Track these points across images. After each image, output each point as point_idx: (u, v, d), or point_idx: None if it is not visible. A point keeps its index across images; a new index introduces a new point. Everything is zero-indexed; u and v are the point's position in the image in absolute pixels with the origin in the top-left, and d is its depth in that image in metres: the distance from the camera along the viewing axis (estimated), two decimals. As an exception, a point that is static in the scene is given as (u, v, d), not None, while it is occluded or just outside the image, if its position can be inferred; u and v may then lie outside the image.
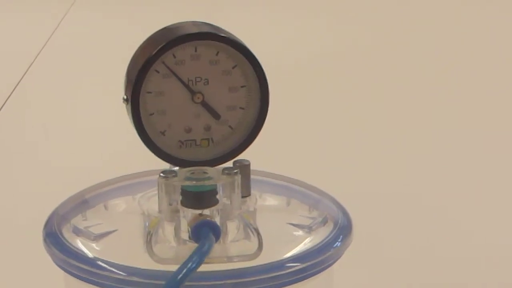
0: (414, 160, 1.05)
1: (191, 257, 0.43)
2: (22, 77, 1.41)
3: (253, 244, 0.47)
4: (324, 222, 0.53)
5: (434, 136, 1.13)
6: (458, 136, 1.13)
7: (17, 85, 1.37)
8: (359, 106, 1.27)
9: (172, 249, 0.47)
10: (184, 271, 0.42)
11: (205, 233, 0.45)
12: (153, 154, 0.50)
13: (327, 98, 1.32)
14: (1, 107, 1.26)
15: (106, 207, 0.55)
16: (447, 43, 1.69)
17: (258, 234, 0.47)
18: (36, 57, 1.53)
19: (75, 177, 0.94)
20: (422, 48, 1.63)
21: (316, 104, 1.28)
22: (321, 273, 0.49)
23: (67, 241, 0.49)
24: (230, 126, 0.52)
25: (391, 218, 0.88)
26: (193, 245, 0.46)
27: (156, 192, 0.51)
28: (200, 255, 0.43)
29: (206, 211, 0.47)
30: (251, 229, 0.48)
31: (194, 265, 0.42)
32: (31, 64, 1.48)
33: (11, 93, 1.33)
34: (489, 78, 1.40)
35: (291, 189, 0.58)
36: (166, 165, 0.55)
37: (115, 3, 1.99)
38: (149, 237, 0.46)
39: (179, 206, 0.48)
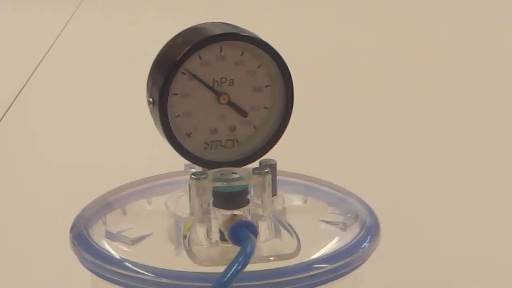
0: (414, 160, 1.05)
1: (236, 258, 0.42)
2: (30, 76, 1.41)
3: (286, 243, 0.47)
4: (355, 218, 0.52)
5: (434, 135, 1.13)
6: (458, 135, 1.13)
7: (25, 84, 1.37)
8: (358, 105, 1.26)
9: (207, 251, 0.47)
10: (231, 272, 0.41)
11: (244, 234, 0.44)
12: (179, 155, 0.50)
13: (333, 97, 1.31)
14: (9, 108, 1.26)
15: (130, 211, 0.55)
16: (455, 31, 1.69)
17: (295, 233, 0.47)
18: (43, 58, 1.52)
19: (83, 179, 0.94)
20: (429, 42, 1.62)
21: (326, 103, 1.28)
22: (349, 274, 0.49)
23: (96, 243, 0.49)
24: (254, 126, 0.52)
25: (392, 218, 0.87)
26: (225, 246, 0.46)
27: (182, 193, 0.52)
28: (245, 257, 0.42)
29: (239, 212, 0.47)
30: (287, 228, 0.48)
31: (240, 267, 0.42)
32: (39, 64, 1.48)
33: (19, 93, 1.33)
34: (490, 78, 1.40)
35: (308, 187, 0.58)
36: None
37: (122, 3, 1.98)
38: (188, 241, 0.46)
39: (211, 207, 0.48)
